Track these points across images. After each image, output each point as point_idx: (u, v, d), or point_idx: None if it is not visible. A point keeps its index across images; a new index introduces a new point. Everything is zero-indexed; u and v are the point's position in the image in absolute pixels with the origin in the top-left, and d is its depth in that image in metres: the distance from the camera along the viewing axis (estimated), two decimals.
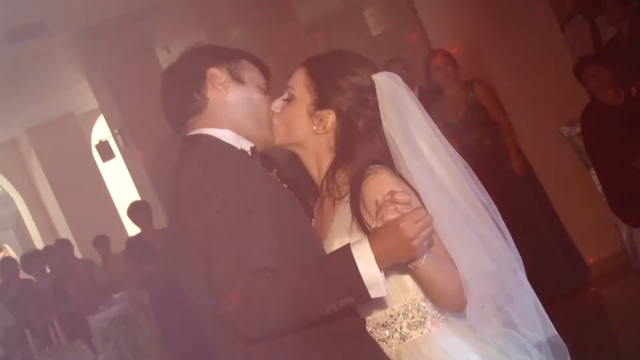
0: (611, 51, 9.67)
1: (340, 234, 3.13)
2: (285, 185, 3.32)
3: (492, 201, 3.32)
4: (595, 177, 9.42)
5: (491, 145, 9.23)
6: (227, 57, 3.30)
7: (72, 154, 19.61)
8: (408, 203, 2.79)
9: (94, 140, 19.37)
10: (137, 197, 15.59)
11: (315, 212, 3.42)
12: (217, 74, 3.20)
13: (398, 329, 3.12)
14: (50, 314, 12.44)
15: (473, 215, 3.25)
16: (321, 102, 3.26)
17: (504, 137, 9.28)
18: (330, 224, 3.22)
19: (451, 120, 9.36)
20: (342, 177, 3.22)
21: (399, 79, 3.34)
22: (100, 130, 19.15)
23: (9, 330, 12.53)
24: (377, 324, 3.15)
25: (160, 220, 12.91)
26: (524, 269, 3.29)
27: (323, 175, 3.30)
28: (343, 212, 3.16)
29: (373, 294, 2.76)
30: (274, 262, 2.86)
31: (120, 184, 19.35)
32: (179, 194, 3.12)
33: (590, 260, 9.48)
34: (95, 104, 17.68)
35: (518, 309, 3.24)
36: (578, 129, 9.33)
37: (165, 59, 16.15)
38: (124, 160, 17.62)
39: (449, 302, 3.11)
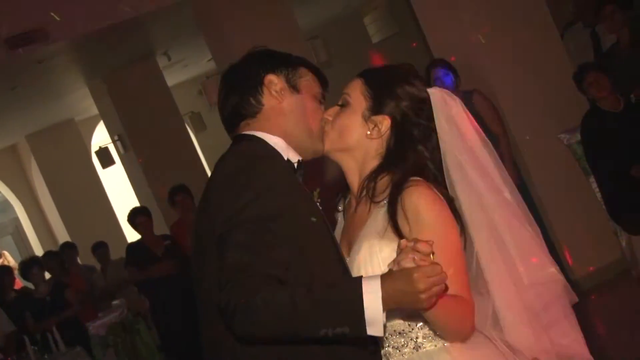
0: (611, 59, 9.68)
1: (371, 237, 3.15)
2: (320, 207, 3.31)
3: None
4: (594, 185, 9.41)
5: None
6: (285, 64, 3.31)
7: (71, 161, 19.72)
8: (428, 254, 2.71)
9: (94, 146, 19.46)
10: (137, 204, 15.54)
11: (342, 215, 3.49)
12: (274, 81, 3.21)
13: (414, 338, 3.13)
14: (49, 321, 12.46)
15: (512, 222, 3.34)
16: (377, 108, 3.29)
17: (501, 148, 9.21)
18: (363, 226, 3.23)
19: None
20: (382, 182, 3.23)
21: (455, 96, 3.40)
22: (100, 137, 19.22)
23: (8, 336, 12.54)
24: (394, 330, 3.15)
25: (160, 227, 12.91)
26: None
27: (363, 178, 3.31)
28: (377, 216, 3.18)
29: (370, 330, 2.74)
30: (283, 271, 2.87)
31: (120, 191, 19.37)
32: (215, 181, 3.19)
33: (590, 269, 9.52)
34: (95, 111, 17.80)
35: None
36: (577, 137, 9.32)
37: (166, 65, 16.17)
38: (124, 167, 17.58)
39: (450, 336, 3.12)
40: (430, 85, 9.50)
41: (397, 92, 3.28)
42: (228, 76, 3.35)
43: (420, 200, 3.07)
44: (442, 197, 3.14)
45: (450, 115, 3.32)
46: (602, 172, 9.19)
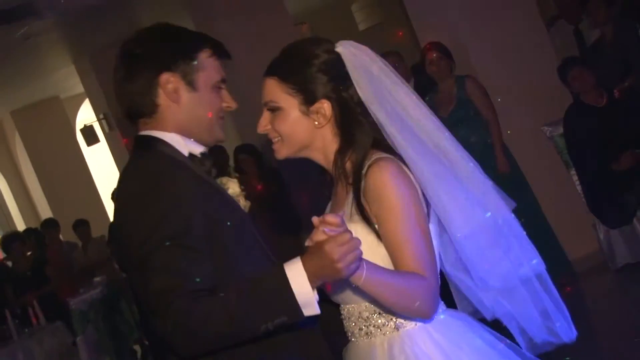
0: (595, 54, 9.73)
1: (350, 223, 3.06)
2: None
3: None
4: (575, 178, 9.48)
5: (476, 142, 9.22)
6: (183, 54, 3.14)
7: (56, 138, 19.68)
8: (337, 225, 2.76)
9: (79, 124, 19.49)
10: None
11: (332, 198, 3.43)
12: (170, 80, 3.07)
13: (393, 319, 3.13)
14: (29, 296, 12.51)
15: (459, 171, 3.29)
16: (309, 97, 3.19)
17: (492, 134, 9.36)
18: (342, 207, 3.22)
19: (441, 114, 9.14)
20: (349, 162, 3.20)
21: (363, 47, 3.34)
22: (86, 115, 19.19)
23: None
24: (374, 310, 3.15)
25: None
26: None
27: (332, 163, 3.26)
28: (349, 201, 3.18)
29: (306, 312, 2.80)
30: (210, 282, 2.90)
31: (104, 169, 19.37)
32: (121, 201, 3.14)
33: (574, 256, 9.54)
34: (81, 89, 17.81)
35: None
36: (560, 129, 9.39)
37: None
38: (109, 145, 17.60)
39: (403, 312, 3.13)
40: (425, 69, 9.44)
41: (313, 72, 3.21)
42: (133, 55, 3.17)
43: (379, 182, 3.06)
44: (406, 172, 3.12)
45: (364, 66, 3.26)
46: (583, 165, 9.26)
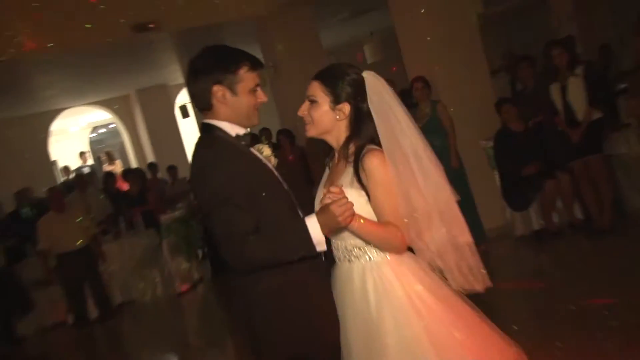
0: (520, 97, 9.82)
1: (345, 186, 3.21)
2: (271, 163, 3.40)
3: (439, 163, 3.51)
4: (496, 176, 9.49)
5: (439, 146, 9.16)
6: (228, 71, 3.22)
7: (162, 111, 19.80)
8: (339, 194, 3.02)
9: (177, 104, 19.67)
10: None
11: (329, 167, 3.53)
12: (219, 91, 3.19)
13: (367, 252, 3.27)
14: (135, 210, 12.59)
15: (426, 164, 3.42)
16: (337, 99, 3.31)
17: (450, 141, 9.27)
18: (340, 176, 3.32)
19: (420, 123, 9.31)
20: (352, 147, 3.32)
21: (382, 78, 3.46)
22: (183, 98, 19.29)
23: (108, 215, 12.69)
24: (356, 245, 3.27)
25: None
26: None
27: (340, 145, 3.39)
28: (349, 171, 3.28)
29: (318, 248, 3.05)
30: (253, 227, 3.04)
31: (190, 134, 19.45)
32: (193, 170, 3.24)
33: (488, 227, 9.44)
34: (181, 79, 17.82)
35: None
36: (491, 144, 9.38)
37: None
38: (195, 119, 17.72)
39: (385, 249, 3.27)
40: (412, 95, 9.26)
41: (343, 84, 3.32)
42: (191, 70, 3.29)
43: (372, 165, 3.21)
44: (387, 159, 3.26)
45: (378, 90, 3.38)
46: (502, 169, 9.29)
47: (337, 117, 3.33)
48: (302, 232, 3.04)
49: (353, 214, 3.06)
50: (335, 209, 2.99)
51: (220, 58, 3.24)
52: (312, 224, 3.03)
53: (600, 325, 5.81)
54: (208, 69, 3.20)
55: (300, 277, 3.20)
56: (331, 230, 3.10)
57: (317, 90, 3.35)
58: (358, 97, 3.33)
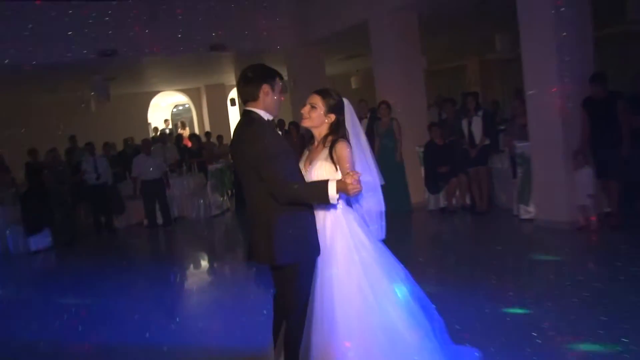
0: (443, 123, 9.61)
1: (322, 160, 3.19)
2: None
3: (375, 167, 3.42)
4: (422, 171, 9.40)
5: (391, 147, 9.17)
6: (272, 77, 3.14)
7: (218, 101, 19.67)
8: (356, 173, 2.96)
9: (229, 96, 19.41)
10: None
11: (310, 149, 3.41)
12: (266, 89, 3.11)
13: (337, 204, 3.13)
14: (192, 160, 12.60)
15: (368, 161, 3.35)
16: (329, 110, 3.27)
17: (397, 145, 9.16)
18: (318, 155, 3.27)
19: (380, 131, 9.23)
20: (329, 139, 3.27)
21: (349, 103, 3.38)
22: (233, 93, 19.07)
23: (177, 161, 12.61)
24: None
25: None
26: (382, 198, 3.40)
27: (321, 137, 3.32)
28: (325, 152, 3.23)
29: (331, 202, 2.96)
30: (295, 178, 3.03)
31: (234, 115, 19.25)
32: (242, 136, 3.08)
33: (413, 201, 9.41)
34: (233, 82, 17.13)
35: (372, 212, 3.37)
36: (422, 149, 9.29)
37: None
38: (238, 108, 17.34)
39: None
40: (376, 113, 9.09)
41: (332, 101, 3.27)
42: (245, 76, 3.16)
43: (341, 148, 3.16)
44: (350, 146, 3.22)
45: (350, 111, 3.35)
46: (426, 166, 9.26)
47: (326, 120, 3.29)
48: (324, 189, 2.94)
49: (358, 189, 2.98)
50: (349, 181, 2.93)
51: (266, 70, 3.17)
52: (332, 187, 2.94)
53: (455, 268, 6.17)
54: (260, 75, 3.13)
55: (304, 210, 3.10)
56: (341, 192, 2.99)
57: (318, 100, 3.30)
58: (339, 111, 3.30)
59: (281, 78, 3.21)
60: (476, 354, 3.60)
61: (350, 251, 3.06)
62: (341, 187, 2.97)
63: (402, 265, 3.20)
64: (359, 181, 2.96)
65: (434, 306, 3.21)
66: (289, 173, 3.00)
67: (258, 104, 3.13)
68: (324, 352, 2.92)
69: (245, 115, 3.16)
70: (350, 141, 3.27)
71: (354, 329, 2.94)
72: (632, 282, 5.00)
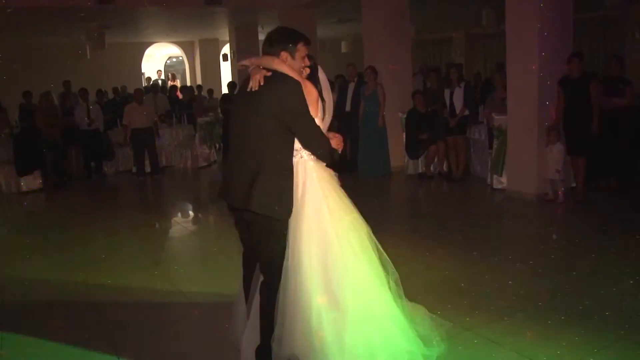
0: (426, 92, 9.63)
1: None
2: None
3: None
4: (404, 136, 9.41)
5: (373, 111, 9.25)
6: (292, 43, 3.01)
7: (211, 55, 19.49)
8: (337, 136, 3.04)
9: (222, 51, 19.20)
10: (230, 79, 15.58)
11: None
12: (283, 55, 2.98)
13: (303, 153, 3.01)
14: (182, 112, 12.56)
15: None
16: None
17: (380, 109, 9.22)
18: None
19: (365, 95, 9.29)
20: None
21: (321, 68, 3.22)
22: (225, 48, 18.86)
23: (167, 112, 12.72)
24: (299, 148, 3.00)
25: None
26: None
27: None
28: None
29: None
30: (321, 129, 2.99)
31: (225, 71, 19.18)
32: (272, 90, 2.91)
33: (393, 165, 9.55)
34: (226, 37, 17.11)
35: None
36: (404, 115, 9.30)
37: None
38: (230, 63, 17.07)
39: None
40: (365, 75, 8.96)
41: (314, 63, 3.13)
42: (269, 38, 3.07)
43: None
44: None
45: (322, 73, 3.15)
46: (407, 132, 9.29)
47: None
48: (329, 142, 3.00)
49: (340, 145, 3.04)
50: (335, 142, 3.03)
51: (288, 34, 3.07)
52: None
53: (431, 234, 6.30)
54: (279, 40, 3.04)
55: (290, 171, 2.99)
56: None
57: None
58: (315, 73, 3.12)
59: (307, 43, 3.09)
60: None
61: (320, 205, 2.94)
62: (334, 143, 3.05)
63: (364, 222, 3.09)
64: (340, 139, 3.05)
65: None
66: (320, 130, 2.99)
67: (282, 65, 3.01)
68: (294, 311, 2.83)
69: (276, 73, 3.00)
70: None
71: (325, 284, 2.85)
72: (588, 248, 5.24)
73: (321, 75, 3.17)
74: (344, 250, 2.89)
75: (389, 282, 3.02)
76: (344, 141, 3.25)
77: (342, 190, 3.07)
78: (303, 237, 2.87)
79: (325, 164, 3.07)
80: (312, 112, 2.96)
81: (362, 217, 3.06)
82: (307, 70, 3.09)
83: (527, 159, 7.36)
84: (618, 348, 3.36)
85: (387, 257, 3.07)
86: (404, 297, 3.11)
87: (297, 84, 2.90)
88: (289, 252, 2.88)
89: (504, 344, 3.44)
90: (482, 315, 3.89)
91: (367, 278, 2.93)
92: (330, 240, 2.88)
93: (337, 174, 3.14)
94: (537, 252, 5.28)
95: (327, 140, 3.01)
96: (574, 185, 7.32)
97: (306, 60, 3.06)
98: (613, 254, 5.09)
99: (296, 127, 2.92)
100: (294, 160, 3.01)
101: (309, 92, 2.96)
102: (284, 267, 2.88)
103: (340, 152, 3.10)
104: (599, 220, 6.26)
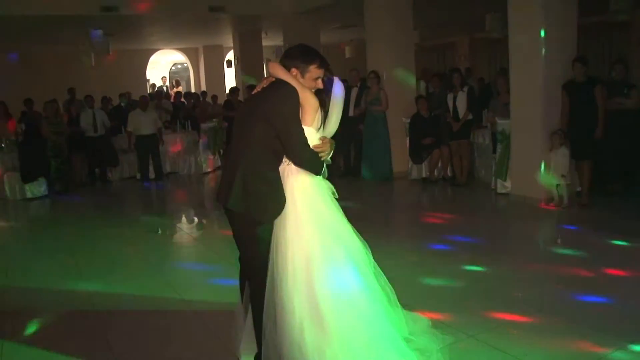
0: (430, 97, 9.64)
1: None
2: None
3: None
4: (407, 141, 9.41)
5: (377, 117, 9.27)
6: (302, 63, 2.99)
7: (216, 61, 19.48)
8: (327, 143, 2.98)
9: (226, 58, 19.27)
10: (234, 84, 15.50)
11: None
12: (294, 71, 2.95)
13: (286, 163, 2.96)
14: (187, 117, 12.60)
15: None
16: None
17: (383, 108, 9.24)
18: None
19: (369, 99, 9.28)
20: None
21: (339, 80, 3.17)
22: (229, 55, 18.95)
23: (172, 118, 12.73)
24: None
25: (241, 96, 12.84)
26: None
27: None
28: None
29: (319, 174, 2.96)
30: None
31: (229, 77, 19.27)
32: (271, 97, 2.91)
33: (397, 170, 9.49)
34: (230, 43, 17.11)
35: None
36: (408, 120, 9.27)
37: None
38: (234, 70, 17.15)
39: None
40: (367, 79, 8.88)
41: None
42: (287, 51, 3.08)
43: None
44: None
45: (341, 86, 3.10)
46: (411, 137, 9.27)
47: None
48: (320, 162, 2.97)
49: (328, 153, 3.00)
50: (328, 145, 2.98)
51: (303, 53, 3.04)
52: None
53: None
54: (293, 56, 3.02)
55: (278, 176, 2.96)
56: None
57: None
58: (328, 86, 3.10)
59: (322, 66, 3.04)
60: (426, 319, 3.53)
61: (303, 216, 2.87)
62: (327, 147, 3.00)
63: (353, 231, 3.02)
64: (329, 145, 2.98)
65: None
66: (306, 139, 2.93)
67: (286, 75, 3.00)
68: (279, 325, 2.81)
69: (278, 81, 3.00)
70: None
71: (309, 299, 2.77)
72: (593, 253, 5.18)
73: (339, 90, 3.10)
74: (328, 264, 2.79)
75: (383, 294, 2.94)
76: (347, 146, 3.17)
77: (334, 201, 3.00)
78: (287, 249, 2.80)
79: (314, 174, 2.98)
80: (306, 121, 2.91)
81: (353, 229, 2.99)
82: (319, 83, 3.03)
83: (531, 163, 7.31)
84: (624, 354, 3.32)
85: (380, 270, 3.00)
86: (400, 307, 3.06)
87: (292, 90, 2.87)
88: (271, 263, 2.82)
89: (507, 350, 3.39)
90: (484, 321, 3.83)
91: (354, 292, 2.82)
92: (314, 253, 2.80)
93: (333, 184, 3.06)
94: (542, 257, 5.24)
95: (313, 152, 2.92)
96: (579, 189, 7.27)
97: (318, 82, 3.02)
98: (618, 259, 5.03)
99: (281, 130, 2.85)
100: (281, 167, 2.96)
101: (307, 100, 2.92)
102: (267, 281, 2.82)
103: (330, 158, 3.03)
104: (603, 225, 6.20)
